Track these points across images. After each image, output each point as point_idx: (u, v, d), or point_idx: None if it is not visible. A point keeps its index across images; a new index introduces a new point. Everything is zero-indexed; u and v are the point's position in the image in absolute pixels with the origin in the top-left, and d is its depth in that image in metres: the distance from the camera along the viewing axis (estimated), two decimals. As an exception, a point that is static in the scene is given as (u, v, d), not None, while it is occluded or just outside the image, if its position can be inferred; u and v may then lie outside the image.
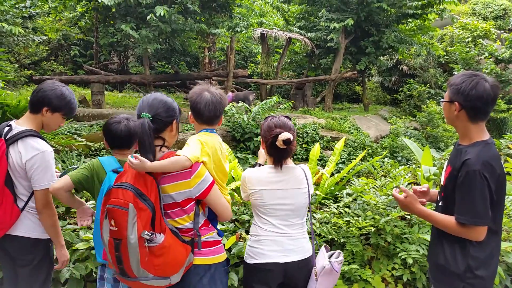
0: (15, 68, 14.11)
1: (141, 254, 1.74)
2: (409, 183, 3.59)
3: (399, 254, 3.04)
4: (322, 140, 11.55)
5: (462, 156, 1.96)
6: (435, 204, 2.26)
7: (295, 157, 11.06)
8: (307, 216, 2.55)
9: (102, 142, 9.90)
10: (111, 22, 13.10)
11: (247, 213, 3.54)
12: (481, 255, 1.95)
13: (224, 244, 2.47)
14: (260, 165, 2.60)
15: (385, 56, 16.99)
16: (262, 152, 2.61)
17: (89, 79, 12.97)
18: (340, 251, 2.54)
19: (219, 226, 3.17)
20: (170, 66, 14.19)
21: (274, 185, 2.32)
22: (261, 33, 13.96)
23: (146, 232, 1.75)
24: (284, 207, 2.33)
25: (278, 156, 2.32)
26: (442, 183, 2.15)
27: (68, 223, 3.24)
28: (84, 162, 5.33)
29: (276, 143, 2.24)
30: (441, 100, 2.09)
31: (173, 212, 1.97)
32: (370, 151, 11.80)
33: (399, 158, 11.34)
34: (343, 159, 11.03)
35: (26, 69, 17.08)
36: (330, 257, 2.48)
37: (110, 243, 1.80)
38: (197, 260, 2.00)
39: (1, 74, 12.37)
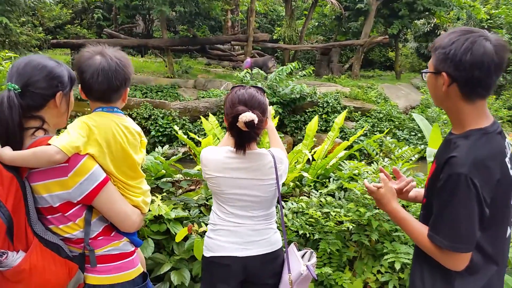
0: (39, 31, 14.01)
1: None
2: (408, 169, 2.99)
3: (385, 257, 2.51)
4: (344, 110, 10.83)
5: (449, 151, 1.38)
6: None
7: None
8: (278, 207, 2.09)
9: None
10: (128, -18, 12.61)
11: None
12: None
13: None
14: None
15: (421, 20, 15.69)
16: None
17: (106, 42, 12.66)
18: (312, 250, 2.07)
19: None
20: (187, 29, 13.59)
21: (233, 173, 1.87)
22: (284, -6, 13.08)
23: None
24: (245, 197, 1.90)
25: (240, 140, 1.82)
26: (425, 185, 1.58)
27: None
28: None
29: (237, 124, 1.72)
30: (423, 71, 1.47)
31: (54, 218, 1.47)
32: (396, 123, 11.00)
33: (428, 132, 10.47)
34: (366, 132, 10.35)
35: (51, 33, 17.06)
36: (302, 257, 2.03)
37: None
38: (92, 279, 1.54)
39: (25, 38, 12.33)
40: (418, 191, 1.81)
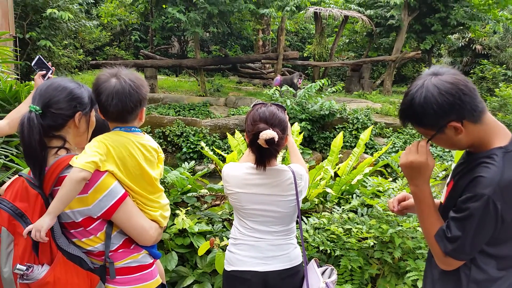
0: (79, 53, 14.79)
1: None
2: (432, 185, 2.94)
3: (407, 275, 2.48)
4: (375, 127, 10.72)
5: (474, 169, 1.39)
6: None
7: (343, 144, 10.38)
8: (297, 223, 2.12)
9: (148, 126, 10.02)
10: (164, 6, 13.10)
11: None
12: None
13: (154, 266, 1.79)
14: None
15: (455, 35, 15.38)
16: None
17: (142, 63, 13.18)
18: (332, 267, 2.08)
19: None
20: (219, 49, 13.93)
21: (253, 189, 1.92)
22: (314, 12, 13.20)
23: (18, 265, 1.39)
24: (265, 213, 1.95)
25: (261, 156, 1.88)
26: (442, 201, 1.59)
27: None
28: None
29: (258, 141, 1.79)
30: (429, 141, 1.44)
31: (77, 232, 1.55)
32: (430, 139, 10.72)
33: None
34: (397, 148, 10.18)
35: (91, 55, 17.95)
36: (322, 273, 2.04)
37: None
38: None
39: (67, 60, 13.06)
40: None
